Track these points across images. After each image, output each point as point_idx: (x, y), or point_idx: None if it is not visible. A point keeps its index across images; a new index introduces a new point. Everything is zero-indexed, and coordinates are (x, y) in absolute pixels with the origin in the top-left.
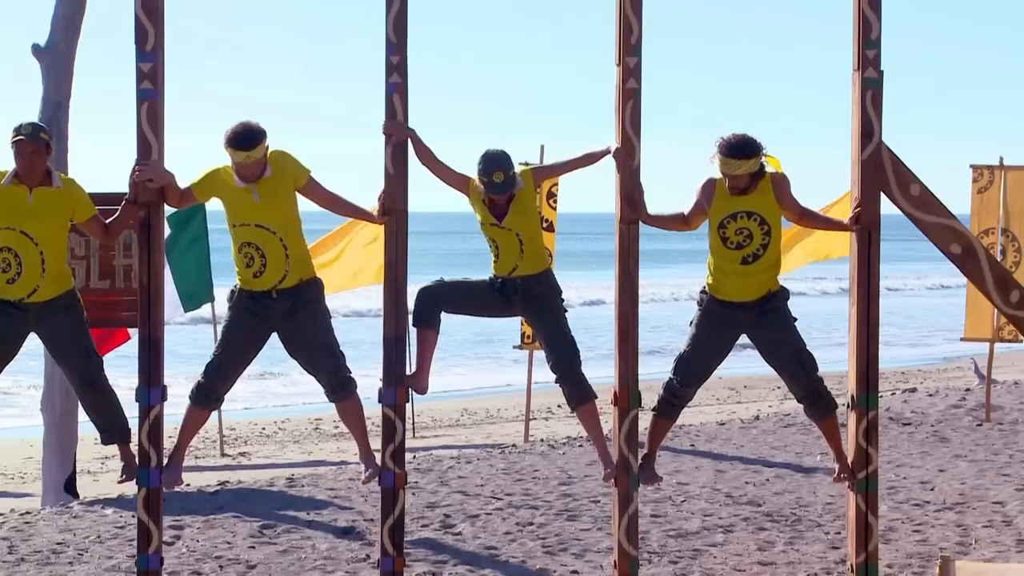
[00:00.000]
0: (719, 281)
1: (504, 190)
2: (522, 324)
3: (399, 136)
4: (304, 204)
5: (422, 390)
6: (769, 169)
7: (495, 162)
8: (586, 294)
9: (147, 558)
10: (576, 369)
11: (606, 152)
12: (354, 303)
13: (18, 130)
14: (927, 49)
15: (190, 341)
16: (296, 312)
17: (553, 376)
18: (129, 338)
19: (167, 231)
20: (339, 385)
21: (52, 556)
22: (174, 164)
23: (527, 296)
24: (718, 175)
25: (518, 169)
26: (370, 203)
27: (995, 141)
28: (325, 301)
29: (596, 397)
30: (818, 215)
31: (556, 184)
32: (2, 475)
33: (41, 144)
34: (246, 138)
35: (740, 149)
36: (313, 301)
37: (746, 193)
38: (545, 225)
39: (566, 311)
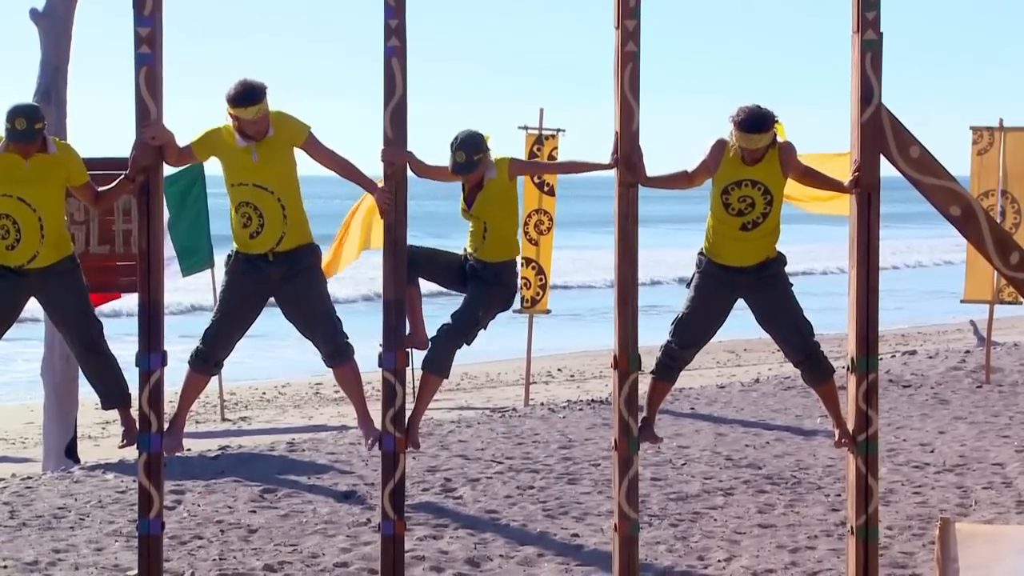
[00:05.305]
0: (717, 245)
1: (461, 170)
2: (521, 288)
3: (399, 160)
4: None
5: (422, 345)
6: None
7: (459, 142)
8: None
9: (148, 523)
10: (445, 341)
11: (594, 166)
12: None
13: (11, 125)
14: (927, 10)
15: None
16: (293, 278)
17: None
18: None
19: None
20: (336, 351)
21: (53, 521)
22: (172, 128)
23: (475, 275)
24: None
25: (495, 156)
26: (371, 171)
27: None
28: (321, 267)
29: (445, 375)
30: (820, 174)
31: (556, 148)
32: (3, 440)
33: (36, 139)
34: (250, 94)
35: (759, 124)
36: (310, 267)
37: (755, 162)
38: (546, 189)
39: (504, 308)
